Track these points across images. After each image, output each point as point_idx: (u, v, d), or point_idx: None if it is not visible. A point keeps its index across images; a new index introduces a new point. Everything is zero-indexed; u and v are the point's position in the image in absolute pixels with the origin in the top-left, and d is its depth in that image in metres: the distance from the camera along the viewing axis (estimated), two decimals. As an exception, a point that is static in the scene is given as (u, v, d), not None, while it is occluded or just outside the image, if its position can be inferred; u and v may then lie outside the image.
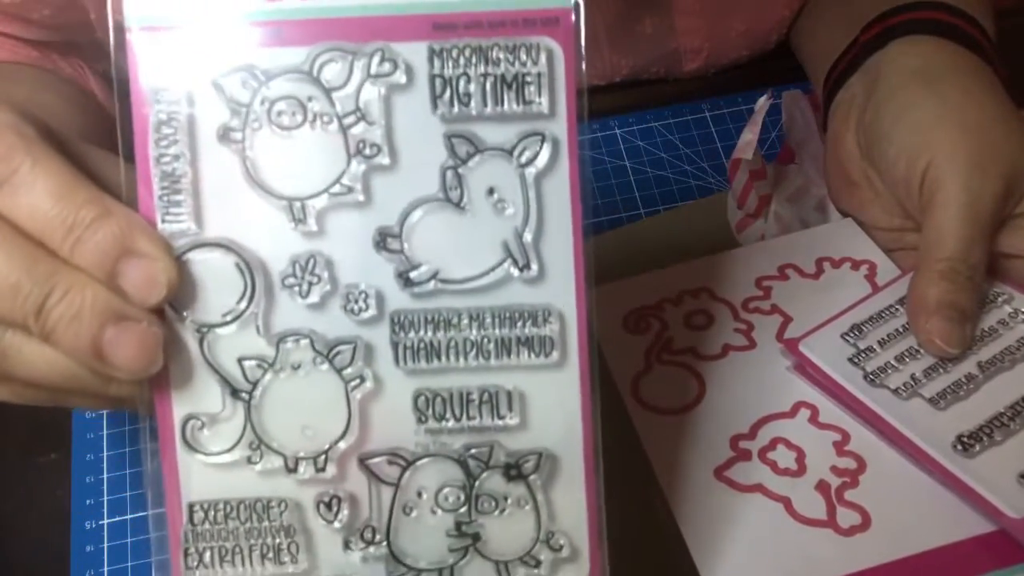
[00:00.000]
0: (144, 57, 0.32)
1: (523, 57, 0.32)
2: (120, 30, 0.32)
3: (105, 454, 0.57)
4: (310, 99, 0.32)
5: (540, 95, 0.32)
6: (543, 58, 0.32)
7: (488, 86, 0.32)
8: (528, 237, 0.33)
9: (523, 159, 0.33)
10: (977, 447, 0.43)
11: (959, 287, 0.46)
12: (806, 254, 0.54)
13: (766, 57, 0.72)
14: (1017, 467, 0.42)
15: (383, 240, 0.33)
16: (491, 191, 0.33)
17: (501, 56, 0.32)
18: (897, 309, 0.49)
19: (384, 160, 0.32)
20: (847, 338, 0.48)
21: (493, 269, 0.33)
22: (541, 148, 0.33)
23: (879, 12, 0.55)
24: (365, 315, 0.33)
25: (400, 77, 0.32)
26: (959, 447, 0.43)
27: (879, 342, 0.48)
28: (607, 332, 0.51)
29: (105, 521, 0.55)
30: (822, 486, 0.44)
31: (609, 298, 0.52)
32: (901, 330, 0.48)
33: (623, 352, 0.50)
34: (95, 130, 0.60)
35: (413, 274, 0.33)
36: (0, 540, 0.57)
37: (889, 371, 0.46)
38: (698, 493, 0.44)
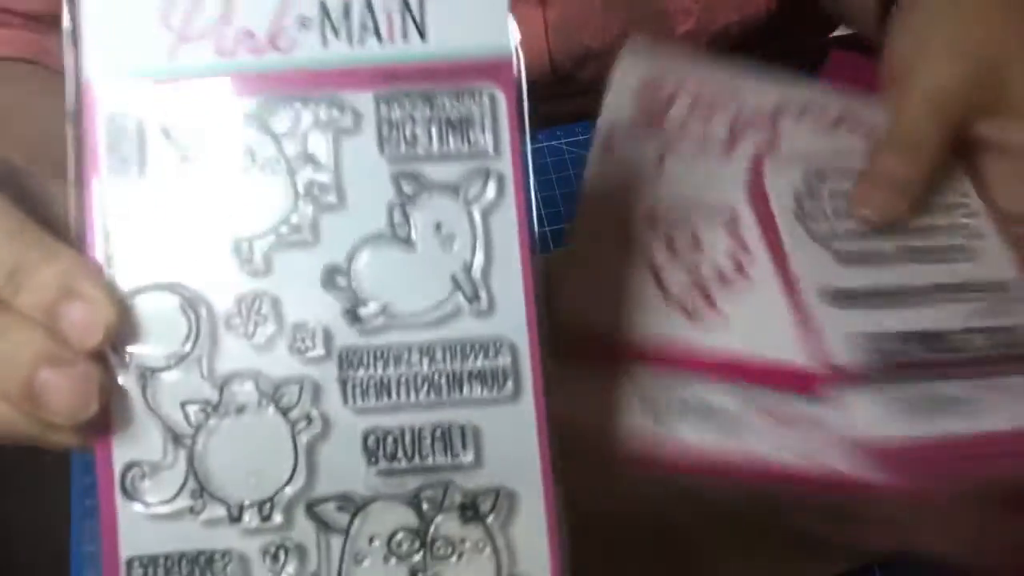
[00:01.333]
0: (100, 103, 0.33)
1: (467, 102, 0.34)
2: (78, 76, 0.33)
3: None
4: (259, 144, 0.33)
5: (484, 134, 0.34)
6: (486, 101, 0.34)
7: (433, 128, 0.34)
8: (477, 271, 0.33)
9: (469, 195, 0.34)
10: (846, 305, 0.46)
11: (899, 159, 0.48)
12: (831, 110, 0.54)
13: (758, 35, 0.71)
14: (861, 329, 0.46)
15: (331, 278, 0.33)
16: (438, 227, 0.33)
17: (446, 102, 0.34)
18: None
19: (332, 199, 0.33)
20: (808, 176, 0.51)
21: (442, 303, 0.33)
22: (487, 184, 0.34)
23: None
24: (312, 354, 0.33)
25: (347, 122, 0.33)
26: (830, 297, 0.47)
27: (831, 192, 0.50)
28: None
29: (105, 521, 0.56)
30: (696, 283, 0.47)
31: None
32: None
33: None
34: None
35: (361, 311, 0.33)
36: (0, 540, 0.58)
37: (820, 218, 0.49)
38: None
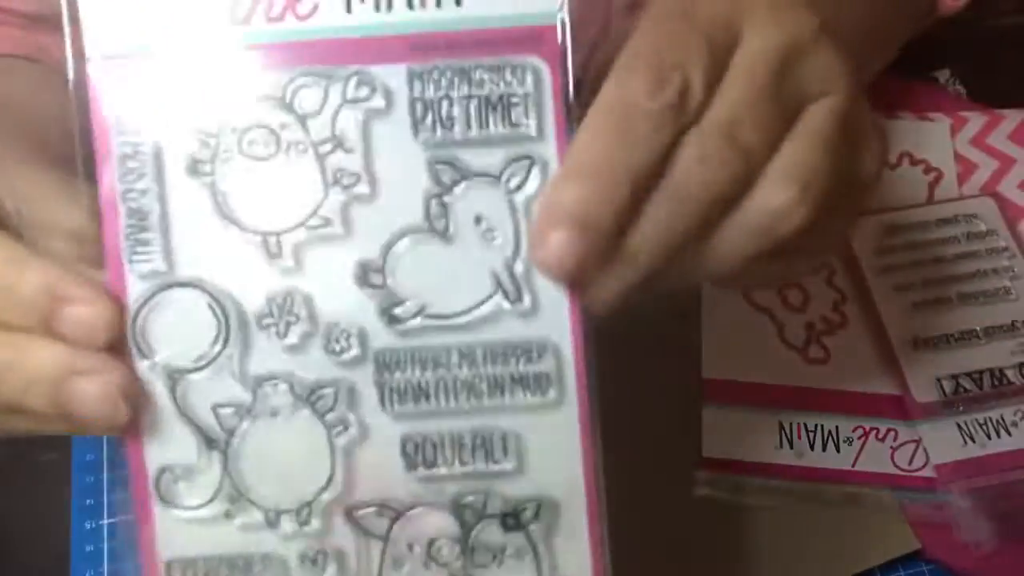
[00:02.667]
0: (105, 87, 0.30)
1: (508, 77, 0.30)
2: (80, 60, 0.30)
3: (105, 454, 0.56)
4: (283, 127, 0.30)
5: (527, 116, 0.30)
6: (529, 78, 0.30)
7: (472, 108, 0.30)
8: (519, 268, 0.31)
9: (511, 184, 0.31)
10: (923, 348, 0.56)
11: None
12: (894, 143, 0.63)
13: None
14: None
15: (365, 275, 0.31)
16: (478, 219, 0.31)
17: (485, 77, 0.30)
18: (931, 225, 0.60)
19: (364, 189, 0.30)
20: (884, 232, 0.59)
21: (483, 303, 0.31)
22: (530, 172, 0.30)
23: None
24: (347, 355, 0.31)
25: (378, 101, 0.30)
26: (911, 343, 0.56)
27: (904, 245, 0.59)
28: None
29: (105, 521, 0.53)
30: (808, 325, 0.58)
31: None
32: (924, 243, 0.59)
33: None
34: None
35: (398, 310, 0.31)
36: (0, 540, 0.57)
37: (897, 270, 0.58)
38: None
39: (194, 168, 0.30)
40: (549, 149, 0.30)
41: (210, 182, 0.30)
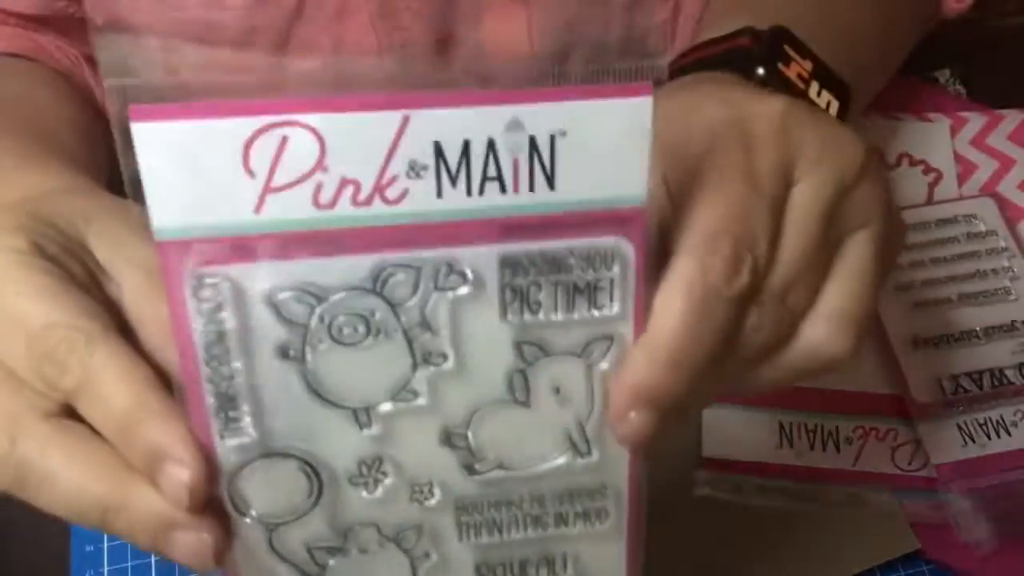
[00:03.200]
0: (181, 274, 0.28)
1: (596, 263, 0.30)
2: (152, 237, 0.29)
3: (105, 454, 0.57)
4: (373, 313, 0.30)
5: (612, 300, 0.31)
6: (616, 262, 0.30)
7: (560, 295, 0.31)
8: (590, 427, 0.32)
9: (592, 359, 0.31)
10: (923, 348, 0.56)
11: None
12: (893, 144, 0.63)
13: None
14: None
15: (448, 438, 0.32)
16: (557, 389, 0.32)
17: (573, 263, 0.30)
18: (930, 226, 0.60)
19: (450, 366, 0.31)
20: None
21: (555, 458, 0.33)
22: (610, 349, 0.31)
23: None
24: (430, 503, 0.33)
25: (467, 289, 0.30)
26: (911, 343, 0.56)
27: (904, 245, 0.56)
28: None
29: (105, 521, 0.55)
30: None
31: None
32: (924, 243, 0.59)
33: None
34: (89, 126, 0.60)
35: (477, 465, 0.32)
36: (0, 540, 0.57)
37: (898, 270, 0.58)
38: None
39: (284, 353, 0.30)
40: (628, 325, 0.31)
41: (300, 365, 0.30)
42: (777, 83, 0.41)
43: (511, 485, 0.33)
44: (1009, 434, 0.53)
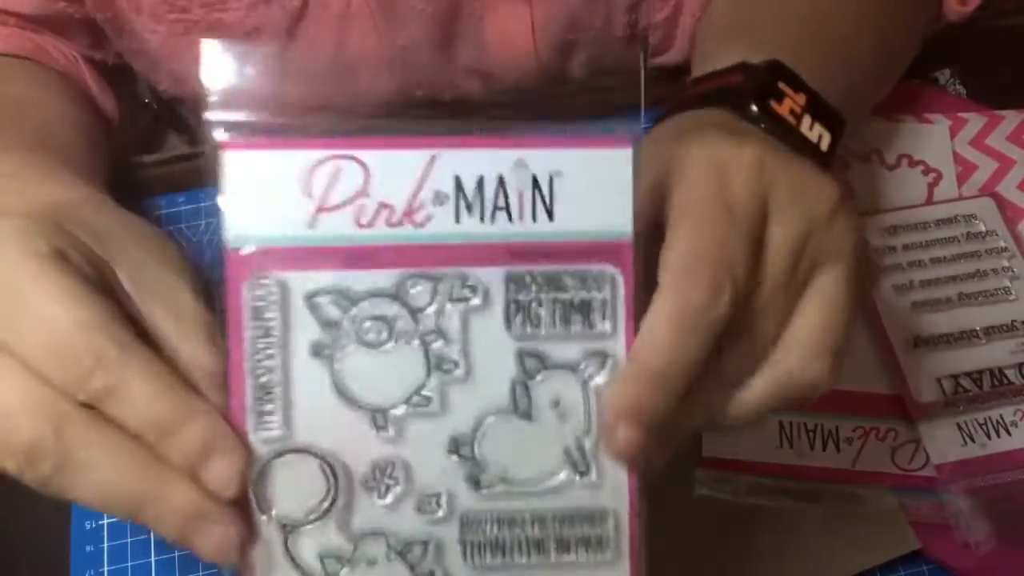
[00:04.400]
0: (242, 276, 0.34)
1: (589, 284, 0.35)
2: (223, 249, 0.34)
3: (105, 454, 0.57)
4: (396, 319, 0.35)
5: (604, 318, 0.35)
6: (607, 286, 0.35)
7: (558, 311, 0.35)
8: (588, 445, 0.35)
9: (586, 375, 0.35)
10: (923, 348, 0.56)
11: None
12: (893, 145, 0.64)
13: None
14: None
15: (456, 447, 0.35)
16: (556, 403, 0.35)
17: (569, 283, 0.35)
18: (930, 226, 0.60)
19: (460, 373, 0.35)
20: (883, 233, 0.59)
21: (555, 474, 0.36)
22: (604, 365, 0.35)
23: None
24: (437, 515, 0.35)
25: (478, 300, 0.35)
26: (911, 343, 0.56)
27: (903, 246, 0.59)
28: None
29: (105, 521, 0.54)
30: None
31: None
32: (924, 243, 0.59)
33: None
34: (90, 129, 0.60)
35: (482, 477, 0.35)
36: (0, 540, 0.57)
37: (897, 271, 0.58)
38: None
39: (317, 351, 0.34)
40: (619, 344, 0.35)
41: (329, 364, 0.35)
42: (768, 120, 0.42)
43: (514, 502, 0.36)
44: (1009, 434, 0.53)
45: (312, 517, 0.35)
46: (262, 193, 0.34)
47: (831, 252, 0.37)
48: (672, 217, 0.36)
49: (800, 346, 0.37)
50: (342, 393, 0.35)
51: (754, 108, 0.42)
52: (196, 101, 0.62)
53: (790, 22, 0.53)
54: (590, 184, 0.35)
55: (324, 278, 0.34)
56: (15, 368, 0.33)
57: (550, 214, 0.35)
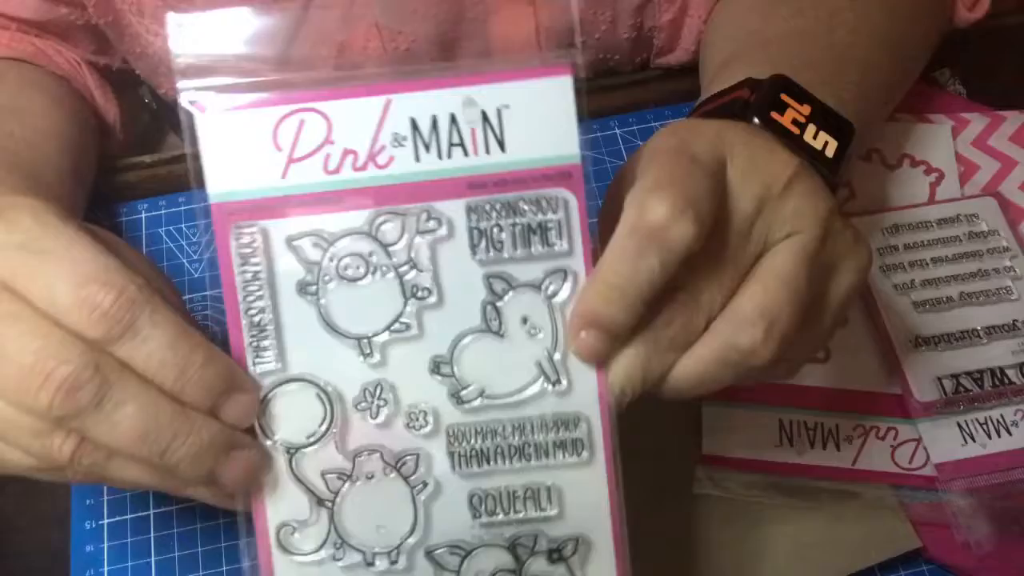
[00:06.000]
0: (227, 227, 0.37)
1: (544, 207, 0.38)
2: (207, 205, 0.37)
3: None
4: (371, 254, 0.38)
5: (560, 238, 0.38)
6: (560, 207, 0.38)
7: (517, 233, 0.38)
8: (557, 356, 0.38)
9: (549, 291, 0.38)
10: (924, 347, 0.56)
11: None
12: (895, 145, 0.64)
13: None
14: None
15: (437, 367, 0.38)
16: (524, 320, 0.38)
17: (526, 208, 0.38)
18: (932, 225, 0.60)
19: (433, 300, 0.38)
20: (885, 232, 0.60)
21: (529, 385, 0.39)
22: (564, 281, 0.38)
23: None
24: (425, 430, 0.38)
25: (443, 231, 0.38)
26: (912, 342, 0.56)
27: (905, 245, 0.59)
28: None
29: (105, 521, 0.54)
30: None
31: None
32: (925, 242, 0.59)
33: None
34: (73, 134, 0.60)
35: (463, 393, 0.38)
36: (0, 540, 0.57)
37: (898, 270, 0.58)
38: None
39: (303, 289, 0.38)
40: (578, 262, 0.38)
41: (315, 300, 0.38)
42: (770, 129, 0.43)
43: (494, 414, 0.39)
44: (1010, 434, 0.53)
45: (312, 440, 0.38)
46: (236, 151, 0.37)
47: (785, 222, 0.38)
48: (639, 168, 0.38)
49: (734, 313, 0.38)
50: (329, 326, 0.38)
51: (756, 120, 0.43)
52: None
53: (805, 45, 0.53)
54: (536, 113, 0.37)
55: (301, 223, 0.37)
56: (44, 312, 0.35)
57: (502, 145, 0.37)
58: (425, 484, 0.39)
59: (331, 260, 0.38)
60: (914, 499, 0.52)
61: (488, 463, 0.39)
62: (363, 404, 0.38)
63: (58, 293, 0.34)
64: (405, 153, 0.37)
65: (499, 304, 0.38)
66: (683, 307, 0.38)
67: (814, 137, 0.44)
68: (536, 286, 0.38)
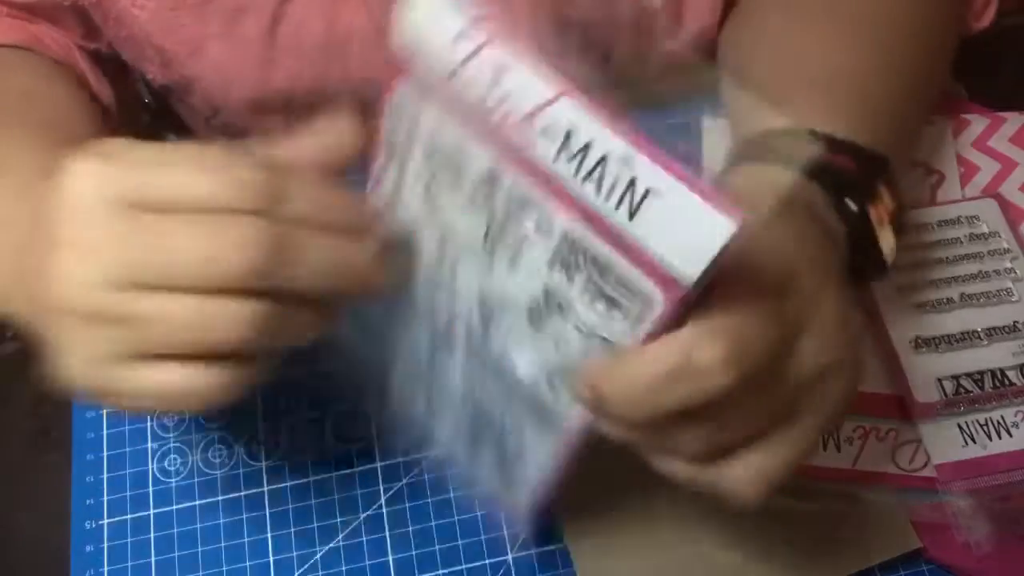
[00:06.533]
0: (396, 75, 0.40)
1: (630, 292, 0.35)
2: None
3: (105, 454, 0.56)
4: (479, 182, 0.38)
5: (624, 321, 0.35)
6: (644, 305, 0.34)
7: (590, 289, 0.36)
8: (558, 382, 0.39)
9: (590, 344, 0.37)
10: (924, 349, 0.56)
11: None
12: None
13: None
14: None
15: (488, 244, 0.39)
16: (556, 344, 0.38)
17: (614, 278, 0.35)
18: (932, 227, 0.60)
19: (504, 265, 0.39)
20: None
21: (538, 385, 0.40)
22: (604, 350, 0.36)
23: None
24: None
25: (534, 229, 0.37)
26: (913, 343, 0.56)
27: (906, 246, 0.55)
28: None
29: (105, 521, 0.54)
30: None
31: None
32: (926, 244, 0.59)
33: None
34: (92, 117, 0.60)
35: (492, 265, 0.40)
36: (0, 540, 0.57)
37: (899, 271, 0.57)
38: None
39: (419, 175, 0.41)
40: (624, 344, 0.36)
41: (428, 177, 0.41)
42: (856, 220, 0.44)
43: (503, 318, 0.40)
44: (1010, 435, 0.53)
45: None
46: (430, 25, 0.37)
47: (818, 402, 0.38)
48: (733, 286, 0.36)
49: (747, 468, 0.38)
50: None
51: (853, 206, 0.43)
52: (184, 89, 0.62)
53: (863, 85, 0.53)
54: (682, 226, 0.33)
55: (443, 125, 0.38)
56: (201, 207, 0.36)
57: (631, 215, 0.34)
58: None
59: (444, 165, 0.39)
60: (914, 500, 0.52)
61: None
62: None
63: (206, 184, 0.36)
64: (548, 144, 0.35)
65: (544, 314, 0.38)
66: (708, 432, 0.37)
67: (883, 235, 0.45)
68: (580, 329, 0.37)
